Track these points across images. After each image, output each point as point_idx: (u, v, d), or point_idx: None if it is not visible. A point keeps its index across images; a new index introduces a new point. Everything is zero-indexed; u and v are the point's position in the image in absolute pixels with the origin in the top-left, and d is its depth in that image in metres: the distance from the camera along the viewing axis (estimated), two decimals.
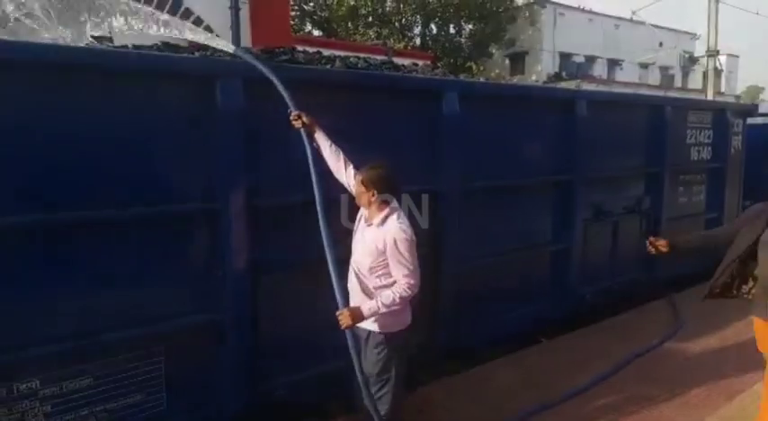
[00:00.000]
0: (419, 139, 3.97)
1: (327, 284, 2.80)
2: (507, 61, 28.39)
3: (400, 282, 2.70)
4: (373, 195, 2.77)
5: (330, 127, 3.48)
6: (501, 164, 4.48)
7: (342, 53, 5.31)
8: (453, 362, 4.16)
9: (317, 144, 2.98)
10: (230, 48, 3.28)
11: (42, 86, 2.58)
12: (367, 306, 2.69)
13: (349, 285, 2.88)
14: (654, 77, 30.13)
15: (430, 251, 3.81)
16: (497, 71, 24.27)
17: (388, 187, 2.80)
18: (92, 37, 3.23)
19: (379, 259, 2.74)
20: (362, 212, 2.92)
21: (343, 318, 2.67)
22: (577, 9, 29.21)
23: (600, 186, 5.39)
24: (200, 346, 3.10)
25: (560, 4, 28.44)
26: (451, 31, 23.34)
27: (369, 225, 2.83)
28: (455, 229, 4.09)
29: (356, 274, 2.86)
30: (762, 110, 7.81)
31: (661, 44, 28.66)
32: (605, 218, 5.47)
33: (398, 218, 2.76)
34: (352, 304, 2.77)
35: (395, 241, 2.68)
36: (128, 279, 2.83)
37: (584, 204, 5.17)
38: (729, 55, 28.61)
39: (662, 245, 3.38)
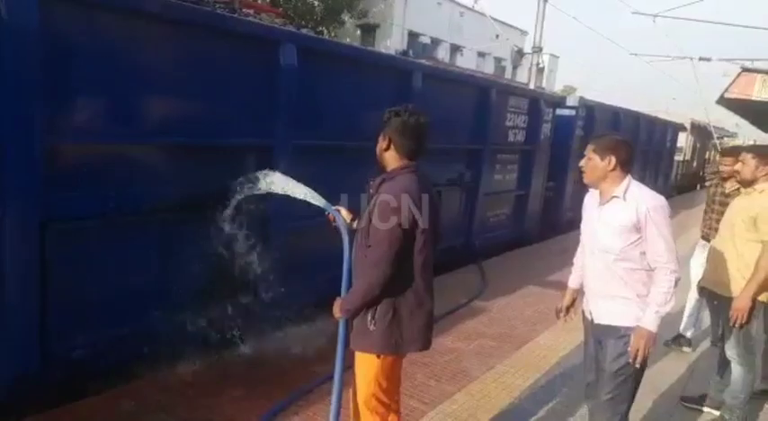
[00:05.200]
0: (253, 90, 3.82)
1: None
2: (359, 32, 28.54)
3: (660, 265, 2.30)
4: (610, 163, 2.36)
5: (150, 66, 3.21)
6: (335, 124, 4.51)
7: None
8: None
9: None
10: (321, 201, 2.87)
11: None
12: (648, 318, 2.31)
13: (592, 275, 2.52)
14: (489, 67, 32.65)
15: None
16: (348, 40, 24.25)
17: (627, 154, 2.39)
18: None
19: (632, 237, 2.33)
20: (591, 194, 2.55)
21: None
22: None
23: (427, 158, 5.68)
24: None
25: None
26: None
27: (606, 202, 2.42)
28: None
29: (604, 263, 2.43)
30: (569, 103, 8.90)
31: (497, 37, 31.09)
32: None
33: (641, 186, 2.41)
34: (612, 302, 2.42)
35: (648, 211, 2.30)
36: None
37: None
38: (551, 55, 32.09)
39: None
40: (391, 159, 2.32)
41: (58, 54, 2.76)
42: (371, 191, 2.31)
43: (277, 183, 3.31)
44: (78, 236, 3.00)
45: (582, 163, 2.50)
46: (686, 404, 3.52)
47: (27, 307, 2.79)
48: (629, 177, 2.41)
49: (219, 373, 3.51)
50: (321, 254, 3.51)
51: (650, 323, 2.30)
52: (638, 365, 2.33)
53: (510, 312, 5.14)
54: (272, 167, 3.86)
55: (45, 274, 2.85)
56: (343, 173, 4.56)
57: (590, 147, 2.46)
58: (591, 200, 2.55)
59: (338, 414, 2.22)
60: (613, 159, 2.36)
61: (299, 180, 3.64)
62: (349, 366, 2.41)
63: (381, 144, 2.33)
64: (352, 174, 4.78)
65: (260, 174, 3.40)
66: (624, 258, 2.37)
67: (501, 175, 7.32)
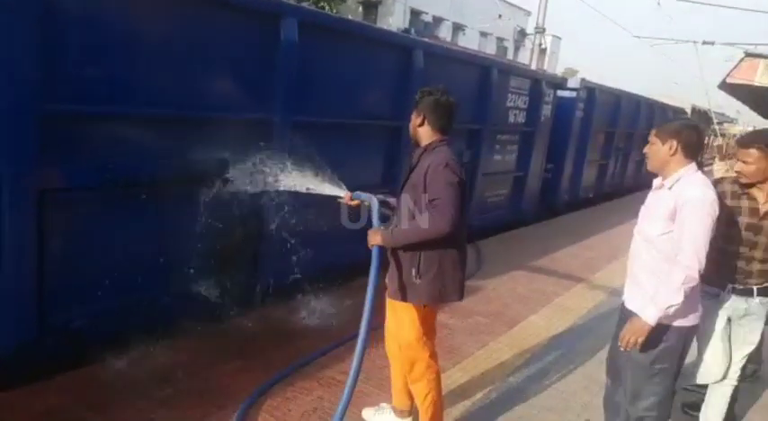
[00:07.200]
0: (253, 64, 3.80)
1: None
2: (360, 9, 28.15)
3: (679, 259, 2.19)
4: (671, 148, 2.27)
5: (149, 36, 3.18)
6: (336, 101, 4.48)
7: None
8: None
9: None
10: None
11: None
12: (648, 311, 2.23)
13: (631, 255, 2.47)
14: (491, 47, 32.32)
15: None
16: (350, 17, 24.01)
17: (690, 139, 2.27)
18: None
19: (668, 227, 2.26)
20: (656, 182, 2.45)
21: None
22: None
23: None
24: None
25: None
26: None
27: (658, 188, 2.37)
28: None
29: (638, 247, 2.43)
30: (570, 85, 8.84)
31: (500, 16, 30.71)
32: None
33: (696, 177, 2.28)
34: (637, 288, 2.40)
35: (685, 201, 2.20)
36: None
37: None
38: (554, 36, 31.76)
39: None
40: (425, 134, 2.54)
41: (55, 19, 2.72)
42: (413, 160, 2.54)
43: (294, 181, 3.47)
44: (77, 205, 3.01)
45: (645, 149, 2.43)
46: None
47: (25, 277, 2.81)
48: (691, 166, 2.29)
49: (219, 344, 3.55)
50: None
51: (648, 315, 2.23)
52: (621, 349, 2.32)
53: (504, 291, 5.19)
54: (273, 143, 3.86)
55: (43, 244, 2.86)
56: (344, 150, 4.58)
57: (653, 132, 2.37)
58: (654, 183, 2.48)
59: (363, 355, 2.22)
60: (674, 143, 2.26)
61: (300, 157, 3.66)
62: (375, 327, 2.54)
63: (415, 120, 2.55)
64: (353, 151, 4.80)
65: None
66: (657, 246, 2.31)
67: (500, 156, 7.31)
